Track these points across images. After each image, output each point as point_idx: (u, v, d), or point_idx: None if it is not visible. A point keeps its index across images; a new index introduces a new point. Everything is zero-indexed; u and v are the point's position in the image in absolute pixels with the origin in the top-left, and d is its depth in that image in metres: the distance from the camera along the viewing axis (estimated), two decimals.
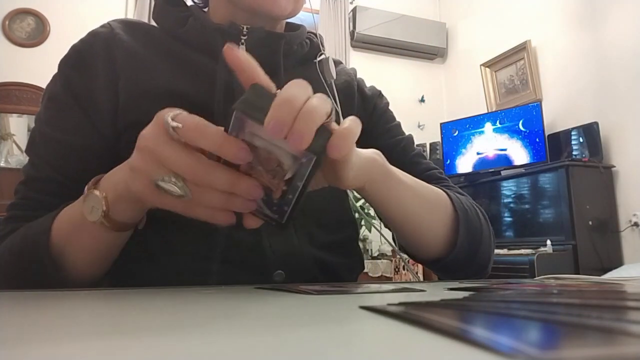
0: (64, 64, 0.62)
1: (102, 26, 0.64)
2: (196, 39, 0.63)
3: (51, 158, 0.59)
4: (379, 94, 0.77)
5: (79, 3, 3.11)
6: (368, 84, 0.78)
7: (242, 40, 0.64)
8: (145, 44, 0.63)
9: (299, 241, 0.60)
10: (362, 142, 0.43)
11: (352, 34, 3.83)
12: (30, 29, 3.03)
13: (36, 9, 3.06)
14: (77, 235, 0.49)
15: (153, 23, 0.68)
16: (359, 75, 0.77)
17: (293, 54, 0.68)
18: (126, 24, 0.65)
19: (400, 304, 0.23)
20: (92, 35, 0.63)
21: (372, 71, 3.62)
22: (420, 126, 3.95)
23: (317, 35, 0.74)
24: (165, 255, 0.57)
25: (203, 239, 0.56)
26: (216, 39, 0.62)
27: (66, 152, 0.59)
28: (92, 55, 0.61)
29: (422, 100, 4.08)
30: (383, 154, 0.53)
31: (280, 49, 0.65)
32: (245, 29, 0.63)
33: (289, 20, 0.71)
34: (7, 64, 2.84)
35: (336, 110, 0.67)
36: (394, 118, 0.77)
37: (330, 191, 0.64)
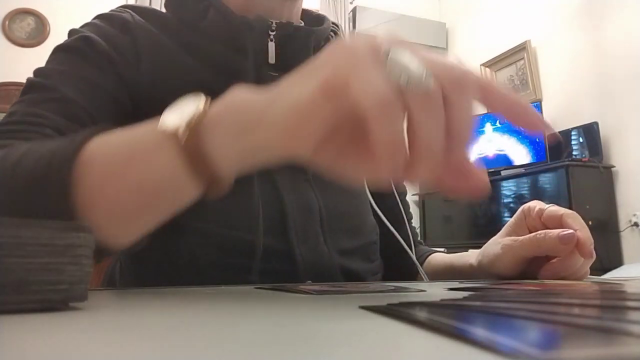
0: (94, 19, 0.57)
1: (117, 9, 0.60)
2: (220, 33, 0.59)
3: (69, 87, 0.49)
4: None
5: (79, 3, 3.11)
6: None
7: (271, 36, 0.60)
8: (164, 33, 0.59)
9: (328, 249, 0.57)
10: None
11: (352, 34, 3.83)
12: (30, 29, 3.03)
13: (36, 9, 3.06)
14: (126, 165, 0.33)
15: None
16: None
17: (320, 50, 0.65)
18: (141, 10, 0.61)
19: (400, 304, 0.23)
20: (109, 15, 0.58)
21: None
22: None
23: (338, 26, 0.70)
24: (194, 270, 0.52)
25: (238, 250, 0.52)
26: (243, 33, 0.58)
27: (88, 88, 0.50)
28: (112, 27, 0.56)
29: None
30: None
31: (310, 46, 0.62)
32: (274, 24, 0.60)
33: (305, 7, 0.68)
34: (7, 64, 2.84)
35: None
36: None
37: (353, 194, 0.64)
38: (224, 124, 0.31)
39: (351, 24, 3.84)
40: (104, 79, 0.53)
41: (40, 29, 3.05)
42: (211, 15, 0.59)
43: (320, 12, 0.71)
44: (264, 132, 0.30)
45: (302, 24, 0.68)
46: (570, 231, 0.48)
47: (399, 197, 0.69)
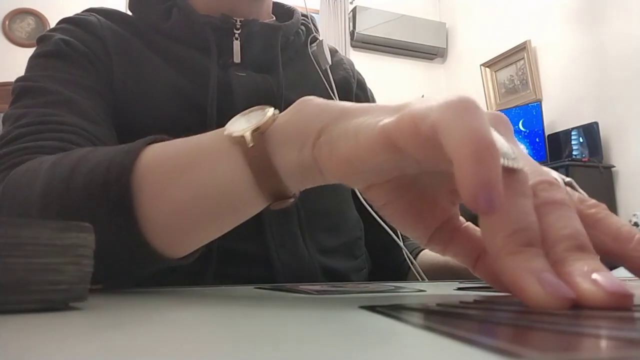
0: (62, 24, 0.56)
1: (82, 14, 0.59)
2: (184, 34, 0.59)
3: (63, 89, 0.49)
4: None
5: (78, 3, 3.10)
6: (368, 84, 0.76)
7: (236, 35, 0.59)
8: (131, 34, 0.58)
9: (308, 250, 0.56)
10: None
11: (352, 34, 3.83)
12: (30, 29, 3.03)
13: (36, 9, 3.06)
14: (188, 172, 0.32)
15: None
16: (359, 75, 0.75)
17: (290, 45, 0.64)
18: (106, 12, 0.60)
19: (400, 304, 0.23)
20: (76, 19, 0.57)
21: (372, 71, 3.62)
22: None
23: (310, 17, 0.69)
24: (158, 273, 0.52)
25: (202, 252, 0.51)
26: (207, 34, 0.58)
27: (79, 89, 0.50)
28: (82, 30, 0.56)
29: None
30: None
31: (277, 43, 0.61)
32: (239, 22, 0.59)
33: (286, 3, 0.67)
34: (7, 64, 2.84)
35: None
36: None
37: (334, 190, 0.62)
38: (288, 134, 0.29)
39: (351, 23, 3.84)
40: (91, 79, 0.53)
41: (40, 29, 3.05)
42: (175, 16, 0.58)
43: (291, 6, 0.69)
44: (317, 150, 0.28)
45: (273, 18, 0.67)
46: None
47: None
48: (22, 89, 0.49)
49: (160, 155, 0.33)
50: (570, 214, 0.22)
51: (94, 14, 0.59)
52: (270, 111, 0.30)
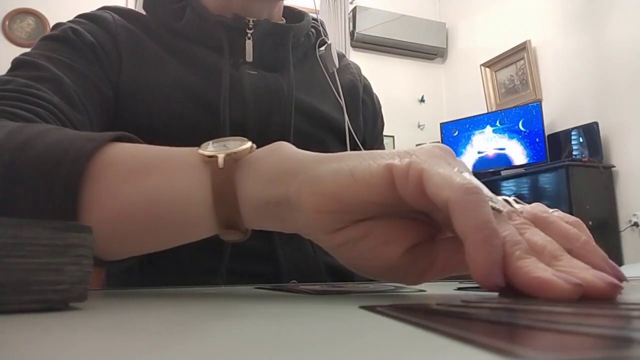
0: (77, 18, 0.57)
1: (97, 10, 0.60)
2: (197, 33, 0.60)
3: (59, 70, 0.49)
4: (380, 112, 0.75)
5: (78, 3, 3.11)
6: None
7: (249, 35, 0.60)
8: (144, 33, 0.59)
9: (313, 247, 0.56)
10: None
11: (352, 34, 3.83)
12: (30, 29, 3.03)
13: (36, 9, 3.06)
14: (148, 173, 0.31)
15: None
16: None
17: (300, 46, 0.65)
18: (121, 11, 0.61)
19: (400, 304, 0.23)
20: (91, 15, 0.58)
21: (372, 71, 3.61)
22: (420, 126, 3.95)
23: (319, 21, 0.71)
24: (171, 267, 0.52)
25: (210, 249, 0.50)
26: (219, 33, 0.59)
27: (75, 75, 0.50)
28: (95, 26, 0.57)
29: (422, 100, 4.08)
30: None
31: (288, 43, 0.62)
32: (251, 22, 0.60)
33: (286, 4, 0.68)
34: (7, 64, 2.84)
35: (339, 105, 0.65)
36: (382, 141, 0.76)
37: None
38: (260, 168, 0.30)
39: (351, 23, 3.84)
40: (90, 69, 0.53)
41: (40, 29, 3.05)
42: (188, 15, 0.60)
43: (301, 9, 0.71)
44: (296, 187, 0.28)
45: (284, 21, 0.68)
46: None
47: None
48: (18, 62, 0.50)
49: (126, 153, 0.33)
50: (538, 231, 0.27)
51: (109, 11, 0.60)
52: (249, 143, 0.30)
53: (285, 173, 0.29)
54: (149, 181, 0.31)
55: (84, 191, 0.31)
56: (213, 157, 0.30)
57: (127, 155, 0.33)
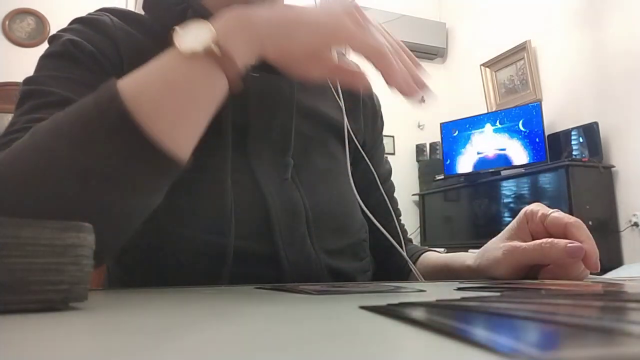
0: (73, 24, 0.57)
1: (95, 13, 0.59)
2: None
3: (65, 89, 0.50)
4: (380, 112, 0.75)
5: (78, 3, 3.11)
6: None
7: None
8: (144, 35, 0.58)
9: (315, 250, 0.56)
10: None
11: None
12: (30, 29, 3.03)
13: (36, 9, 3.06)
14: (169, 84, 0.40)
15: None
16: None
17: None
18: (120, 13, 0.60)
19: (400, 304, 0.23)
20: (88, 19, 0.58)
21: (372, 71, 3.62)
22: (420, 126, 3.94)
23: None
24: (173, 271, 0.52)
25: (212, 253, 0.51)
26: None
27: (82, 90, 0.50)
28: (93, 31, 0.56)
29: (422, 100, 4.08)
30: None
31: None
32: None
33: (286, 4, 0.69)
34: (7, 64, 2.84)
35: (339, 106, 0.65)
36: (382, 141, 0.77)
37: (340, 192, 0.63)
38: (240, 35, 0.42)
39: None
40: (95, 79, 0.52)
41: (40, 29, 3.05)
42: (189, 17, 0.58)
43: None
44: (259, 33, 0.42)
45: None
46: (578, 244, 0.48)
47: (386, 193, 0.68)
48: (25, 93, 0.51)
49: (133, 81, 0.39)
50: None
51: (108, 13, 0.59)
52: (207, 24, 0.40)
53: (247, 27, 0.44)
54: (177, 89, 0.40)
55: (137, 116, 0.36)
56: (207, 47, 0.39)
57: (140, 84, 0.39)
